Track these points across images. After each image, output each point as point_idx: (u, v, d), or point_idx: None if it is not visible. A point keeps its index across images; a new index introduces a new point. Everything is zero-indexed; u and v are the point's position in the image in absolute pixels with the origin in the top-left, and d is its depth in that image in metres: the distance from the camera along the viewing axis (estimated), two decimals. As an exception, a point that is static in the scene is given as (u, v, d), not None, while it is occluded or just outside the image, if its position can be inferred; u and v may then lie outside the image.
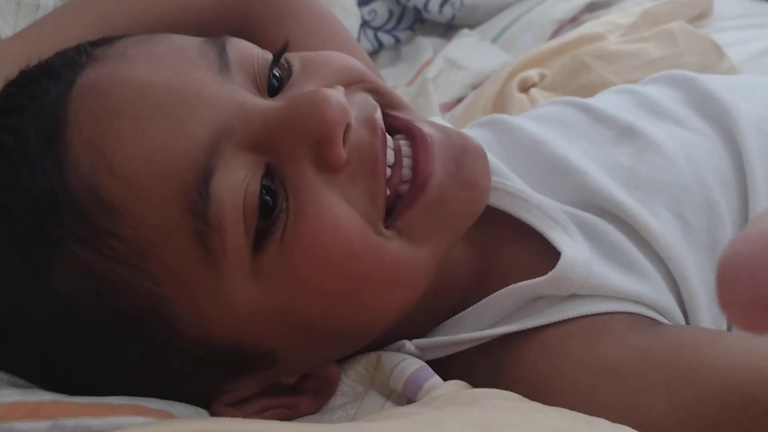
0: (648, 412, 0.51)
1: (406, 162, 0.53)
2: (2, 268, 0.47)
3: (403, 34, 1.18)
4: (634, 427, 0.47)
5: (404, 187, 0.52)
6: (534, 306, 0.57)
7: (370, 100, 0.53)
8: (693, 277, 0.57)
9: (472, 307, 0.59)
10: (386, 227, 0.51)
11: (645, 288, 0.56)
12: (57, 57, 0.52)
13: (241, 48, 0.52)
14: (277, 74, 0.52)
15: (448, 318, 0.60)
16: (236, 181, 0.46)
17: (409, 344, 0.58)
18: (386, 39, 1.17)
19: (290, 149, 0.48)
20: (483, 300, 0.58)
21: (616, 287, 0.56)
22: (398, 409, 0.51)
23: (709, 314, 0.57)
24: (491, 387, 0.53)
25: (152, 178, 0.45)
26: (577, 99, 0.71)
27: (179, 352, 0.49)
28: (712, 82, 0.67)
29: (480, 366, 0.57)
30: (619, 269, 0.57)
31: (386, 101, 0.55)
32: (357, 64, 0.56)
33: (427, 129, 0.53)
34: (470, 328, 0.58)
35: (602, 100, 0.70)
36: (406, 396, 0.56)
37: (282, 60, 0.53)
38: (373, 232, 0.50)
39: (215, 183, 0.45)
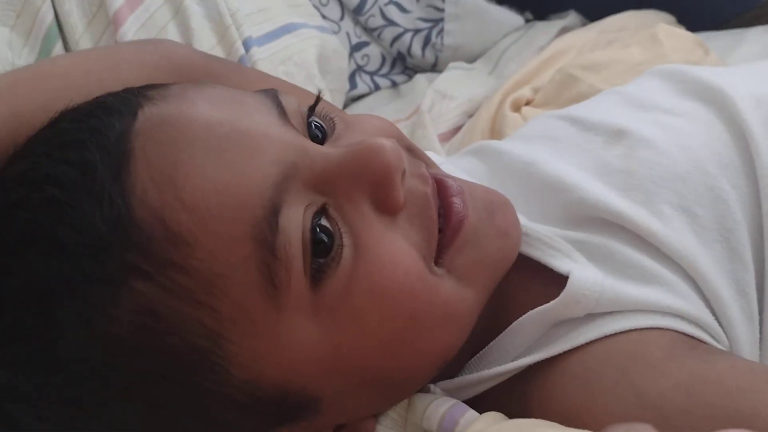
0: None
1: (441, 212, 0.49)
2: (49, 312, 0.40)
3: (399, 78, 1.09)
4: None
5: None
6: (555, 333, 0.49)
7: (413, 156, 0.50)
8: (711, 273, 0.49)
9: (491, 343, 0.51)
10: (436, 265, 0.47)
11: (668, 296, 0.48)
12: (110, 96, 0.47)
13: (289, 99, 0.48)
14: (320, 125, 0.49)
15: (468, 360, 0.52)
16: (298, 219, 0.42)
17: (434, 387, 0.51)
18: (383, 82, 1.08)
19: (349, 191, 0.45)
20: (501, 334, 0.50)
21: (636, 298, 0.48)
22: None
23: (737, 308, 0.49)
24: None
25: (223, 210, 0.41)
26: (563, 111, 0.63)
27: (225, 399, 0.43)
28: (698, 69, 0.59)
29: (509, 403, 0.49)
30: (635, 283, 0.49)
31: (423, 158, 0.51)
32: (395, 126, 0.53)
33: (457, 181, 0.49)
34: (493, 365, 0.50)
35: (588, 108, 0.62)
36: (442, 435, 0.47)
37: (322, 112, 0.49)
38: (429, 272, 0.46)
39: (283, 216, 0.42)
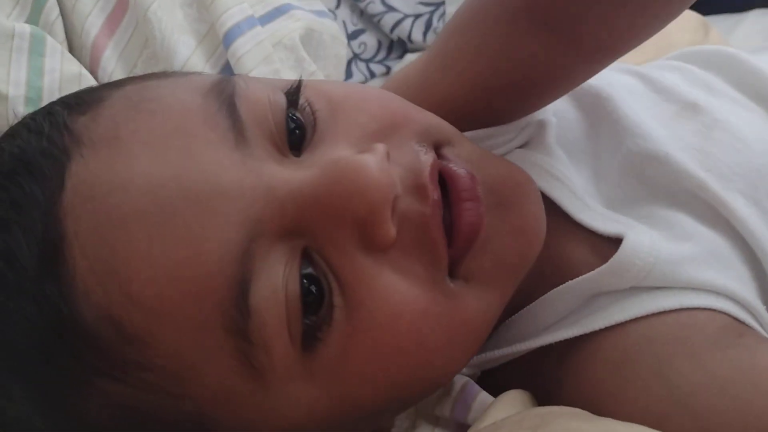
0: None
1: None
2: (13, 408, 0.36)
3: (394, 63, 1.06)
4: None
5: None
6: (593, 305, 0.44)
7: (420, 152, 0.39)
8: None
9: (525, 309, 0.46)
10: (452, 277, 0.39)
11: (724, 275, 0.43)
12: (32, 137, 0.38)
13: (251, 98, 0.38)
14: (296, 117, 0.39)
15: (499, 325, 0.47)
16: (276, 285, 0.35)
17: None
18: (378, 69, 1.05)
19: (331, 232, 0.36)
20: (537, 301, 0.45)
21: (691, 276, 0.43)
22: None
23: None
24: (551, 397, 0.42)
25: (180, 301, 0.34)
26: (628, 66, 0.56)
27: None
28: (754, 60, 0.53)
29: (539, 373, 0.45)
30: (692, 255, 0.44)
31: (437, 139, 0.41)
32: (398, 103, 0.42)
33: (469, 173, 0.40)
34: (525, 334, 0.46)
35: (654, 70, 0.55)
36: (454, 420, 0.45)
37: (302, 102, 0.40)
38: (441, 294, 0.38)
39: (254, 294, 0.34)
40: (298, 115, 0.40)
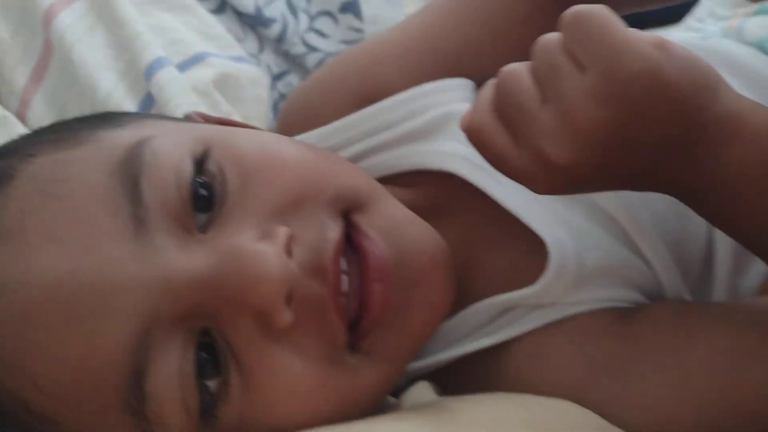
0: (642, 398, 0.43)
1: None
2: None
3: (320, 100, 1.09)
4: (628, 418, 0.41)
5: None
6: (510, 315, 0.48)
7: (327, 227, 0.41)
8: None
9: (446, 322, 0.48)
10: (353, 349, 0.41)
11: (631, 294, 0.48)
12: None
13: (157, 176, 0.39)
14: (208, 184, 0.41)
15: None
16: (171, 370, 0.38)
17: None
18: (304, 106, 1.08)
19: (228, 317, 0.39)
20: (458, 314, 0.48)
21: (603, 294, 0.47)
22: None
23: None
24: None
25: (79, 390, 0.38)
26: None
27: None
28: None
29: (465, 379, 0.48)
30: (606, 270, 0.48)
31: (349, 205, 0.43)
32: (313, 169, 0.43)
33: (380, 250, 0.42)
34: (444, 344, 0.49)
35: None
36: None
37: (214, 169, 0.41)
38: (339, 371, 0.40)
39: (149, 381, 0.37)
40: (207, 180, 0.41)
